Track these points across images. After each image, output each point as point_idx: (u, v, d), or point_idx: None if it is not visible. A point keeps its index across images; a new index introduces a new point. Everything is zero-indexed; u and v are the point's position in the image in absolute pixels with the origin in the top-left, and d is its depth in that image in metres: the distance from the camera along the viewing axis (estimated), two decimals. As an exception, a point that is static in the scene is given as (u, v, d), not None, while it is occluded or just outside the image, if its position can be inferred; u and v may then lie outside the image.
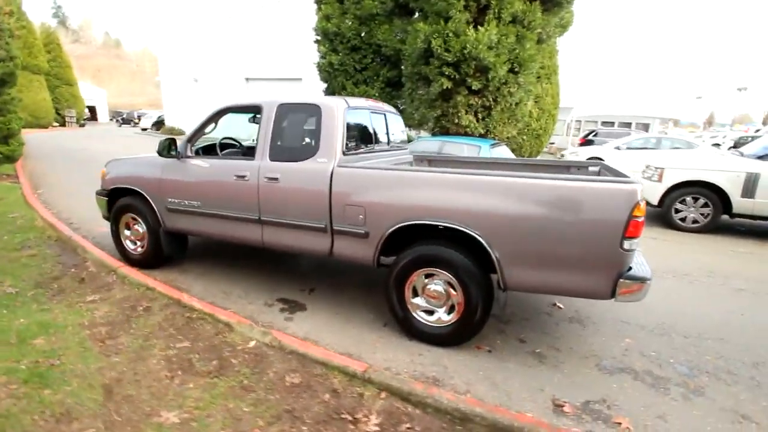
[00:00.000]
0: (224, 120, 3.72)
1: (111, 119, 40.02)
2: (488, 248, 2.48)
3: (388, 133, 3.87)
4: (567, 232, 2.32)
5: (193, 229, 3.69)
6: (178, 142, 3.60)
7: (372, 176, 2.82)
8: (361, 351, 2.73)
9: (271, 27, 20.11)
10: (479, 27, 8.64)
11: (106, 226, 5.23)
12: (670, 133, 21.14)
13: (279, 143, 3.21)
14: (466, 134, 9.90)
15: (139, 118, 32.34)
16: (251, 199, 3.26)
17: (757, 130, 28.89)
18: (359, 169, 2.89)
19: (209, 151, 3.96)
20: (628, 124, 27.10)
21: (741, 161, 5.66)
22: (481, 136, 9.87)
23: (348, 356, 2.59)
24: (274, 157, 3.19)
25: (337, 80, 11.29)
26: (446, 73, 9.04)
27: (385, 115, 3.85)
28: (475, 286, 2.59)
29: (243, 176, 3.27)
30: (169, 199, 3.67)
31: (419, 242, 2.79)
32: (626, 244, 2.24)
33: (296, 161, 3.11)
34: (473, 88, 9.23)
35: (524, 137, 12.15)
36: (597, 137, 17.02)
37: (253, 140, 3.41)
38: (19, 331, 2.71)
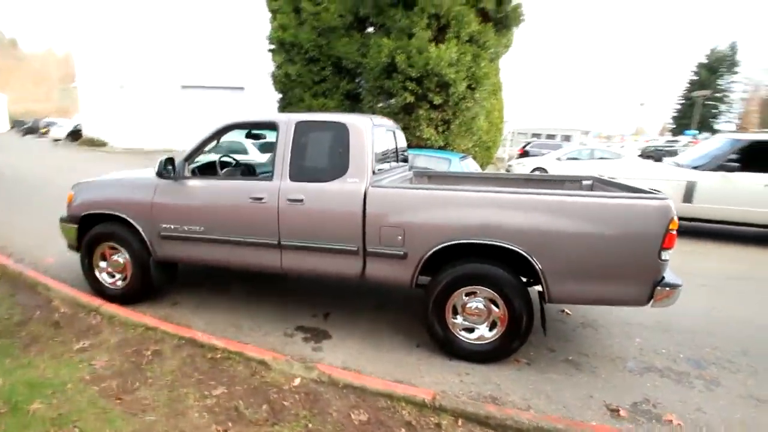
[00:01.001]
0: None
1: (12, 128, 34.93)
2: (536, 265, 2.56)
3: (396, 150, 3.85)
4: (610, 245, 2.48)
5: (193, 256, 3.34)
6: (176, 162, 3.24)
7: (413, 197, 2.78)
8: (408, 376, 2.65)
9: (209, 31, 19.05)
10: (440, 45, 8.99)
11: (55, 255, 4.60)
12: (589, 144, 23.55)
13: (300, 163, 3.04)
14: (426, 147, 10.17)
15: (46, 127, 28.66)
16: (269, 222, 3.04)
17: (655, 141, 33.28)
18: (397, 190, 2.84)
19: (204, 170, 3.62)
20: (553, 136, 29.74)
21: (680, 171, 6.49)
22: (440, 148, 10.22)
23: (399, 383, 2.51)
24: (295, 178, 3.01)
25: (294, 92, 11.01)
26: (409, 87, 9.25)
27: (394, 132, 3.83)
28: (520, 301, 2.65)
29: (259, 198, 3.04)
30: (163, 225, 3.28)
31: (458, 261, 2.80)
32: (663, 255, 2.45)
33: (322, 182, 2.97)
34: (435, 102, 9.55)
35: (476, 149, 12.79)
36: (532, 148, 18.47)
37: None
38: (5, 394, 2.23)
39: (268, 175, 3.12)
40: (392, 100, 9.95)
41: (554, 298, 2.63)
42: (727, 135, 6.61)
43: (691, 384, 2.71)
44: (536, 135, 30.02)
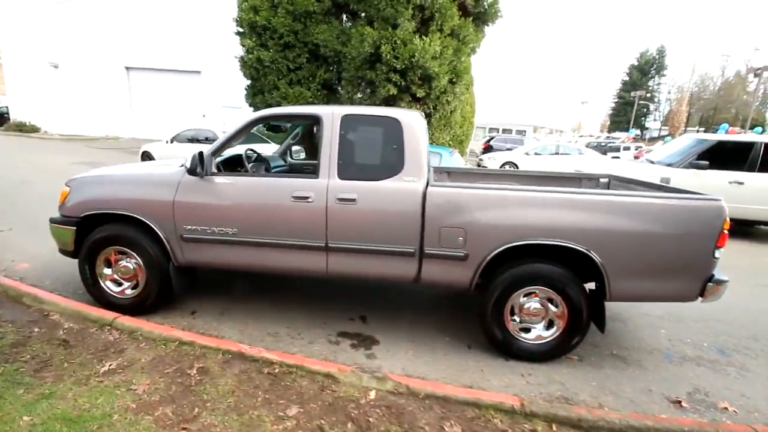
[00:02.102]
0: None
1: None
2: (599, 264, 2.60)
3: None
4: (670, 244, 2.57)
5: (223, 261, 3.03)
6: (204, 156, 2.89)
7: (477, 196, 2.70)
8: (475, 380, 2.61)
9: (160, 6, 17.43)
10: (423, 37, 8.91)
11: (27, 260, 4.02)
12: (543, 140, 24.80)
13: (349, 159, 2.85)
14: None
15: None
16: (316, 223, 2.82)
17: (598, 137, 35.80)
18: (459, 189, 2.75)
19: (228, 166, 3.29)
20: (509, 131, 30.94)
21: (655, 168, 6.98)
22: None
23: (482, 390, 2.45)
24: (344, 176, 2.82)
25: (267, 78, 10.41)
26: (393, 79, 9.11)
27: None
28: (581, 299, 2.69)
29: (305, 197, 2.81)
30: (187, 227, 2.94)
31: (512, 261, 2.77)
32: (716, 253, 2.59)
33: (375, 180, 2.80)
34: (417, 95, 9.50)
35: (451, 143, 12.95)
36: (496, 143, 19.11)
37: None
38: (41, 435, 1.87)
39: (308, 171, 2.90)
40: (369, 90, 9.75)
41: (615, 296, 2.69)
42: (694, 135, 7.20)
43: (726, 371, 2.91)
44: (493, 130, 31.04)
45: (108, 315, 2.93)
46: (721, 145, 6.69)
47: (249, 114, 3.05)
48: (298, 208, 2.84)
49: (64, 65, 18.33)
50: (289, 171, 4.15)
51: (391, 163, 2.81)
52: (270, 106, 10.67)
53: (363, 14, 9.47)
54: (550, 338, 2.80)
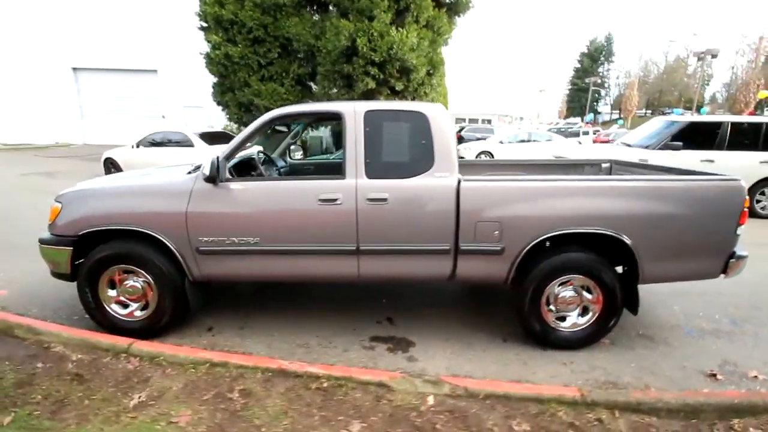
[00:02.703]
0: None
1: None
2: (632, 248, 2.64)
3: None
4: (697, 224, 2.65)
5: (244, 272, 2.84)
6: (219, 161, 2.66)
7: (511, 189, 2.67)
8: (523, 373, 2.59)
9: (108, 2, 16.18)
10: (400, 29, 8.81)
11: (6, 288, 3.64)
12: (512, 128, 25.34)
13: (377, 157, 2.72)
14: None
15: None
16: (346, 226, 2.69)
17: (557, 123, 37.16)
18: (493, 183, 2.70)
19: (240, 170, 3.06)
20: (476, 121, 31.48)
21: (632, 150, 7.28)
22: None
23: (528, 384, 2.43)
24: (373, 175, 2.69)
25: (237, 75, 9.95)
26: (371, 73, 8.95)
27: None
28: (615, 283, 2.73)
29: (332, 199, 2.66)
30: (204, 238, 2.72)
31: (548, 251, 2.77)
32: (738, 231, 2.70)
33: (405, 177, 2.70)
34: (396, 88, 9.40)
35: (427, 135, 13.00)
36: (467, 133, 19.36)
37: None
38: (85, 487, 1.65)
39: (334, 172, 2.75)
40: (345, 84, 9.54)
41: (646, 278, 2.75)
42: (665, 118, 7.57)
43: (743, 341, 3.07)
44: (459, 120, 31.47)
45: (121, 341, 2.66)
46: (691, 126, 7.07)
47: (266, 114, 2.83)
48: (325, 212, 2.69)
49: (1, 68, 16.68)
50: (290, 172, 3.97)
51: (420, 160, 2.72)
52: (242, 103, 10.24)
53: (336, 6, 9.22)
54: (586, 325, 2.83)
